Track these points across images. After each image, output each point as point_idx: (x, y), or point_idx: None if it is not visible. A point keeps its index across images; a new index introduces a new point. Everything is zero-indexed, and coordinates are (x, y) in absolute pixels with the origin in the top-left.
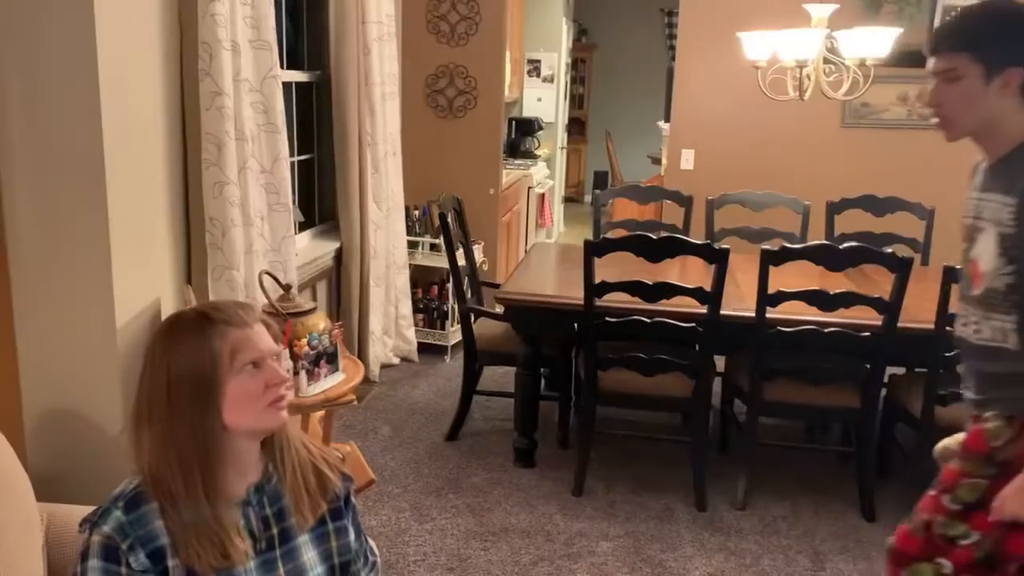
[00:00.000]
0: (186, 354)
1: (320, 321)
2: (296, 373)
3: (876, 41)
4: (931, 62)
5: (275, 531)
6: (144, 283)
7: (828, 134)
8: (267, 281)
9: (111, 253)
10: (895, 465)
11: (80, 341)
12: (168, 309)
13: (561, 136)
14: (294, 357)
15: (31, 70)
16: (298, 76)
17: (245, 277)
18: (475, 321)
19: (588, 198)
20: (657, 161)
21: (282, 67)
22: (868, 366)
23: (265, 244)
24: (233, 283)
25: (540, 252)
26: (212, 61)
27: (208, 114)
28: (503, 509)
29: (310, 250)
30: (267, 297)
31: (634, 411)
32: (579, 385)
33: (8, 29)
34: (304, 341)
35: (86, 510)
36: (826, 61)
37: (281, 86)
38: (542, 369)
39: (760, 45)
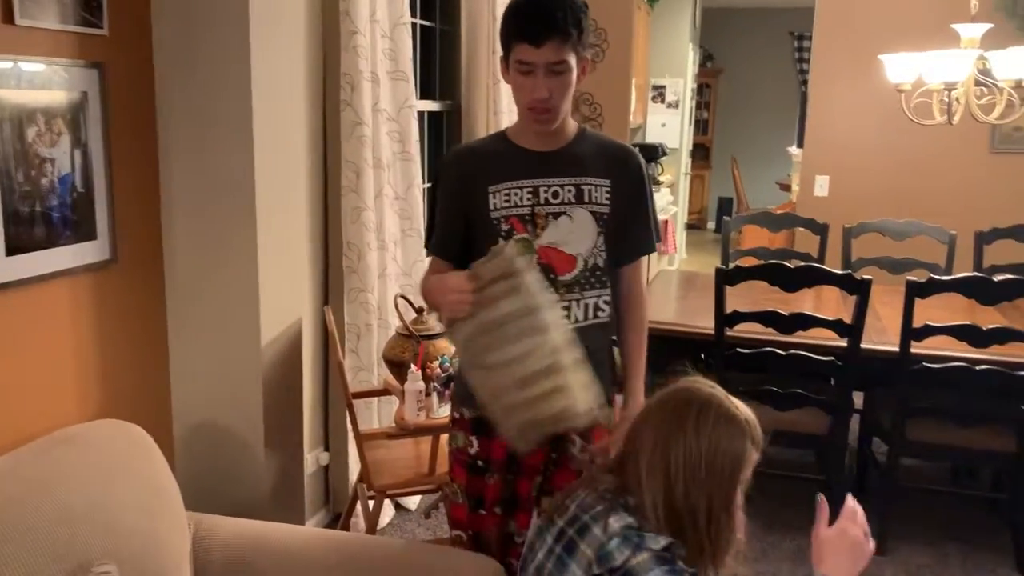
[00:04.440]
0: (733, 439)
1: (450, 344)
2: (428, 394)
3: None
4: (533, 52)
5: None
6: (287, 304)
7: (975, 160)
8: (401, 304)
9: (259, 275)
10: None
11: (227, 358)
12: (309, 329)
13: (685, 162)
14: (426, 378)
15: (192, 103)
16: (430, 105)
17: (378, 299)
18: None
19: (711, 225)
20: (786, 188)
21: (416, 97)
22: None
23: (397, 268)
24: (367, 305)
25: (664, 279)
26: (353, 92)
27: (348, 143)
28: None
29: None
30: (401, 319)
31: (771, 452)
32: None
33: (172, 65)
34: (436, 363)
35: (230, 521)
36: (977, 83)
37: (416, 115)
38: None
39: (905, 67)
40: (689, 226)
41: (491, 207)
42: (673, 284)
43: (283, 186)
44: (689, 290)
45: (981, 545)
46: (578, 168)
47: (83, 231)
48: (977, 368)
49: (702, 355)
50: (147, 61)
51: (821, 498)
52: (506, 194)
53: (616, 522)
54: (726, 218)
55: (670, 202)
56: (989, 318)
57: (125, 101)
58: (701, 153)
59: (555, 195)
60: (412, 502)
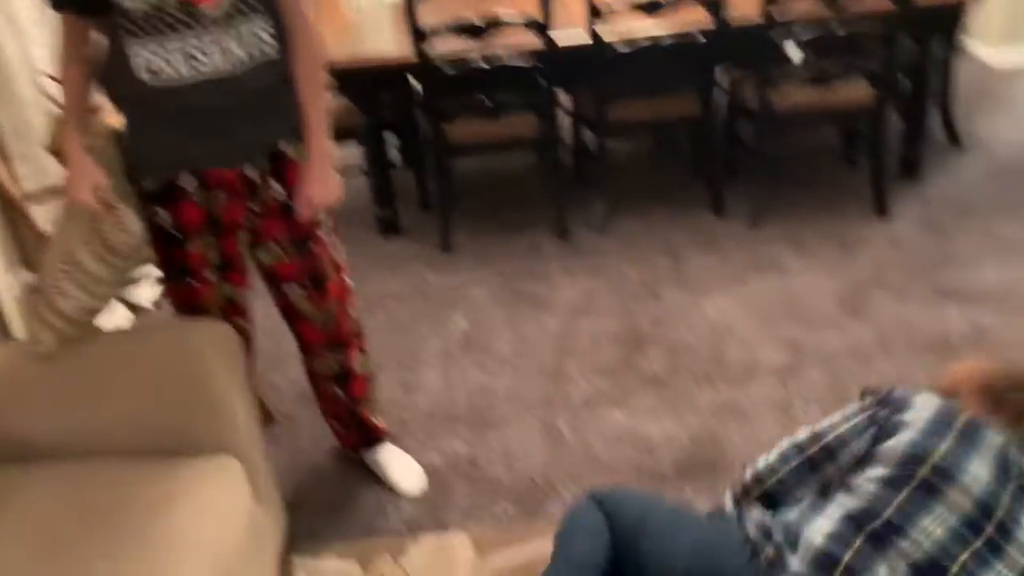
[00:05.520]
0: None
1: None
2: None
3: None
4: None
5: None
6: None
7: None
8: (49, 84)
9: None
10: (741, 162)
11: None
12: None
13: None
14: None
15: None
16: None
17: (32, 91)
18: None
19: None
20: None
21: None
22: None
23: (44, 52)
24: (16, 98)
25: (368, 15)
26: None
27: None
28: (375, 279)
29: None
30: (55, 102)
31: (497, 164)
32: (429, 145)
33: None
34: None
35: None
36: None
37: None
38: (395, 138)
39: None
40: None
41: None
42: (382, 17)
43: None
44: (397, 21)
45: (685, 202)
46: None
47: None
48: (663, 44)
49: (412, 80)
50: None
51: None
52: None
53: None
54: None
55: None
56: None
57: None
58: None
59: None
60: (146, 299)
